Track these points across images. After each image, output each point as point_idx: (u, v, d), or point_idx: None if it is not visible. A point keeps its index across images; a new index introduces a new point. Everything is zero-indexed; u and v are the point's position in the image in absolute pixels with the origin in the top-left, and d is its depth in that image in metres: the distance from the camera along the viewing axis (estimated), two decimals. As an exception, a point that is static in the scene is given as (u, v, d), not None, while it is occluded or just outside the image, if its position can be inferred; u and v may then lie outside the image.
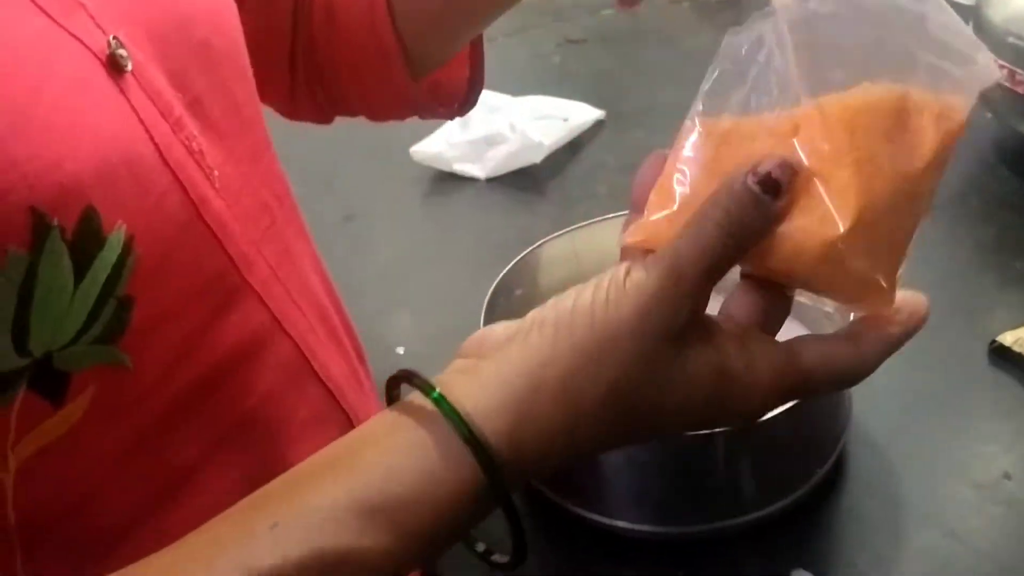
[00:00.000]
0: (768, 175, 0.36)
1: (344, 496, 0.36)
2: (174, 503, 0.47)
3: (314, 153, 0.96)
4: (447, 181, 1.05)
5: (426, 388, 0.37)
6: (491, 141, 1.04)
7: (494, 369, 0.37)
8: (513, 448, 0.36)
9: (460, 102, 0.74)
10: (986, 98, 0.91)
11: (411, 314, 0.88)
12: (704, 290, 0.37)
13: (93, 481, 0.44)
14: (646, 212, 0.40)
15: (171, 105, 0.45)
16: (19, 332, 0.38)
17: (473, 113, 1.14)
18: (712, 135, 0.39)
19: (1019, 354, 0.71)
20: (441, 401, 0.37)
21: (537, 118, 1.07)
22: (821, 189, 0.36)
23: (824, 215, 0.35)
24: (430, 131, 1.07)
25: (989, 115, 0.94)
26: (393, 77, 0.68)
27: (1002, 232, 0.85)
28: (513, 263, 0.73)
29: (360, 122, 0.73)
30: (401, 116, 0.74)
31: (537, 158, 1.03)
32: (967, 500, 0.63)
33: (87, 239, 0.39)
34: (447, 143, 1.05)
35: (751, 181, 0.36)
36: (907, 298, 0.39)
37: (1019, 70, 0.85)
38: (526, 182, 1.03)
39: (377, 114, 0.73)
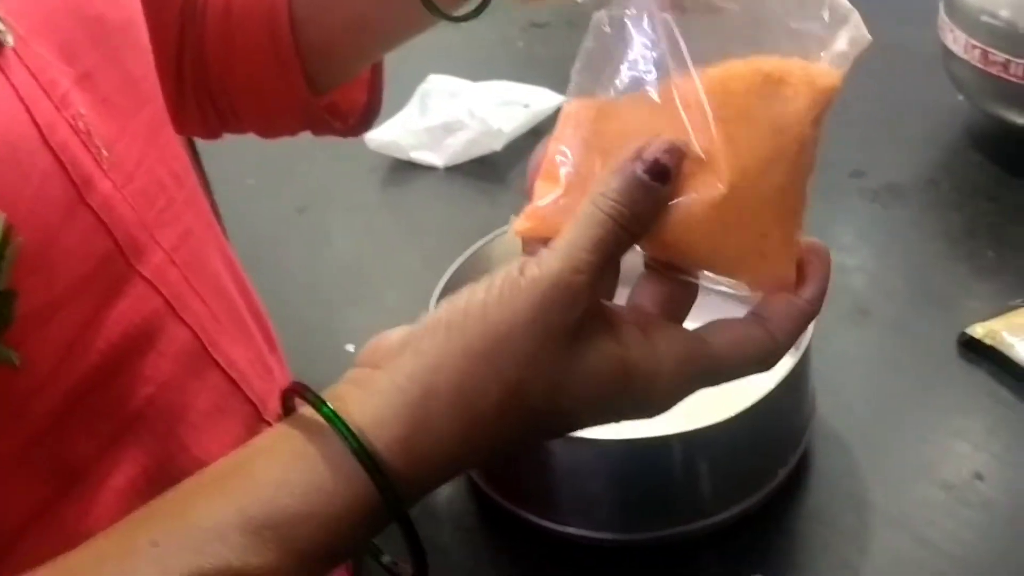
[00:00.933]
0: (656, 162, 0.35)
1: (230, 512, 0.34)
2: (73, 500, 0.45)
3: (266, 142, 0.93)
4: (404, 170, 1.02)
5: (316, 402, 0.35)
6: (449, 128, 1.01)
7: (388, 378, 0.36)
8: (408, 458, 0.35)
9: (355, 123, 0.73)
10: (958, 80, 0.89)
11: (365, 310, 0.85)
12: (599, 281, 0.36)
13: None
14: (534, 198, 0.39)
15: (56, 81, 0.43)
16: None
17: (431, 99, 1.11)
18: (588, 112, 0.39)
19: (990, 347, 0.68)
20: (332, 416, 0.35)
21: (497, 104, 1.04)
22: (701, 154, 0.36)
23: (706, 180, 0.36)
24: (386, 117, 1.03)
25: (961, 98, 0.91)
26: (291, 90, 0.67)
27: (973, 219, 0.83)
28: (465, 256, 0.70)
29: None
30: (294, 131, 0.73)
31: (497, 145, 1.00)
32: (936, 502, 0.60)
33: None
34: (404, 130, 1.02)
35: (639, 170, 0.35)
36: (809, 260, 0.38)
37: (991, 50, 0.82)
38: (486, 170, 1.00)
39: (269, 129, 0.72)
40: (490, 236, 0.72)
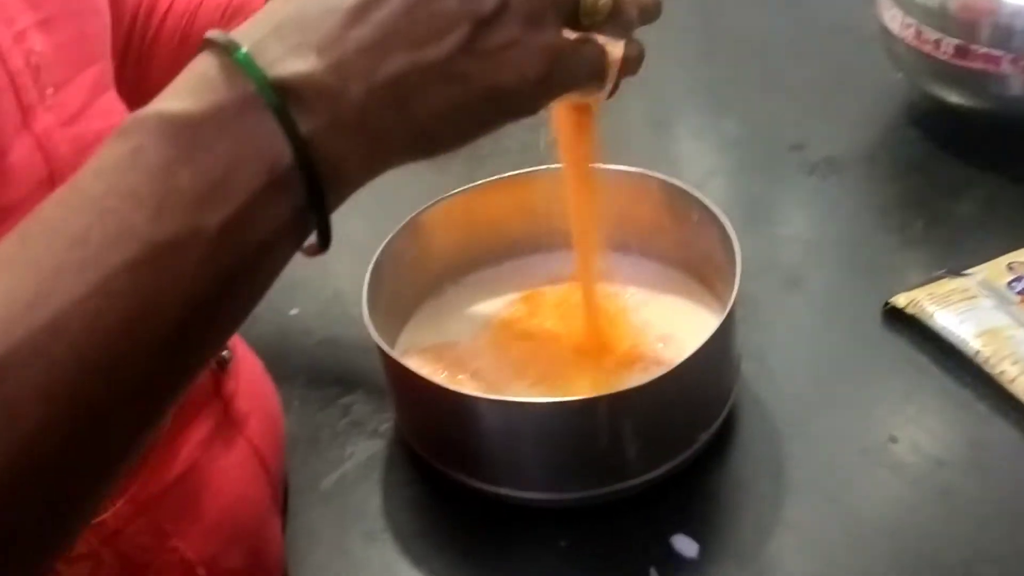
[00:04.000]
0: None
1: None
2: None
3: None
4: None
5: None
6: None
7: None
8: (264, 45, 0.35)
9: None
10: (896, 57, 0.91)
11: (310, 273, 0.86)
12: None
13: None
14: None
15: (15, 19, 0.47)
16: None
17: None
18: None
19: (912, 316, 0.70)
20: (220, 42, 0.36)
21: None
22: None
23: None
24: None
25: (900, 75, 0.93)
26: None
27: (906, 192, 0.85)
28: (403, 223, 0.71)
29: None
30: None
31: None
32: (852, 465, 0.62)
33: None
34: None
35: None
36: None
37: (925, 28, 0.83)
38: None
39: None
40: (429, 203, 0.73)
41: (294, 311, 0.81)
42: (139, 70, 0.72)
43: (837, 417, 0.66)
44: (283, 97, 0.35)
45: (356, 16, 0.36)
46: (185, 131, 0.34)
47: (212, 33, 0.36)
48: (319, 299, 0.82)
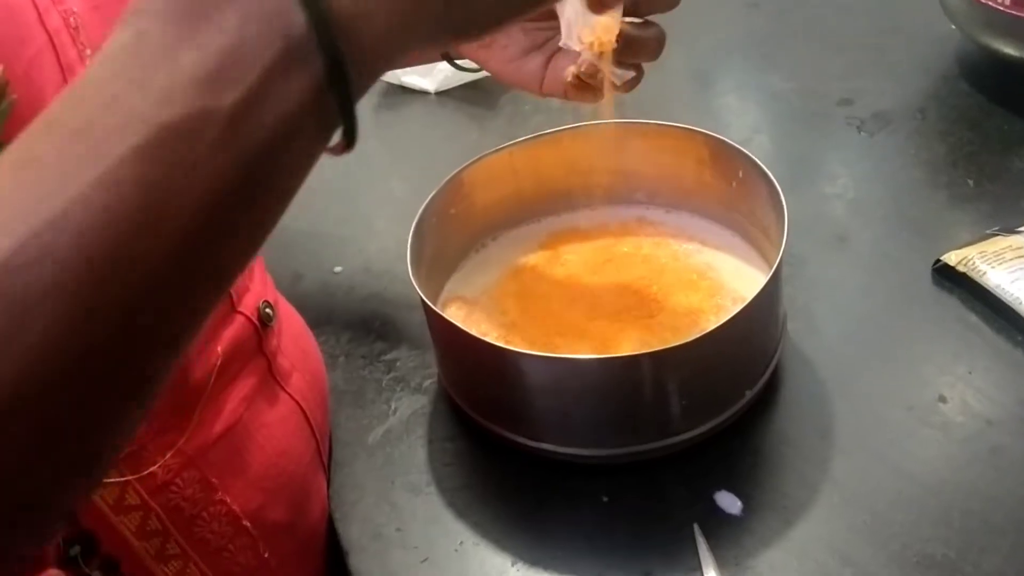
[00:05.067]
0: None
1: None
2: None
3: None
4: (395, 95, 1.02)
5: None
6: (441, 53, 1.01)
7: None
8: None
9: None
10: (949, 9, 0.88)
11: (353, 232, 0.86)
12: None
13: None
14: None
15: None
16: None
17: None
18: None
19: (963, 274, 0.69)
20: None
21: (490, 29, 1.03)
22: None
23: None
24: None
25: (952, 27, 0.91)
26: None
27: (957, 148, 0.83)
28: (445, 180, 0.71)
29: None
30: None
31: (487, 71, 1.00)
32: (899, 423, 0.62)
33: None
34: (396, 55, 1.02)
35: None
36: None
37: (980, -21, 0.81)
38: (477, 96, 1.00)
39: None
40: (471, 160, 0.72)
41: (338, 269, 0.82)
42: None
43: (885, 376, 0.65)
44: None
45: None
46: (189, 7, 0.31)
47: None
48: (362, 257, 0.82)
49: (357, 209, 0.89)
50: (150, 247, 0.30)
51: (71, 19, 0.49)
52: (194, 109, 0.30)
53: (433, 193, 0.69)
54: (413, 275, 0.63)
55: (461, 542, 0.59)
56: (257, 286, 0.62)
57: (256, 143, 0.31)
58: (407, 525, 0.61)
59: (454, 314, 0.70)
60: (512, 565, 0.58)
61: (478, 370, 0.63)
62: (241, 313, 0.59)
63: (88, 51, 0.50)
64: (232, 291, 0.59)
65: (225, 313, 0.58)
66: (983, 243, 0.70)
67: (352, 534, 0.62)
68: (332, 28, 0.31)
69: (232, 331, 0.58)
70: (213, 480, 0.57)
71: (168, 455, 0.55)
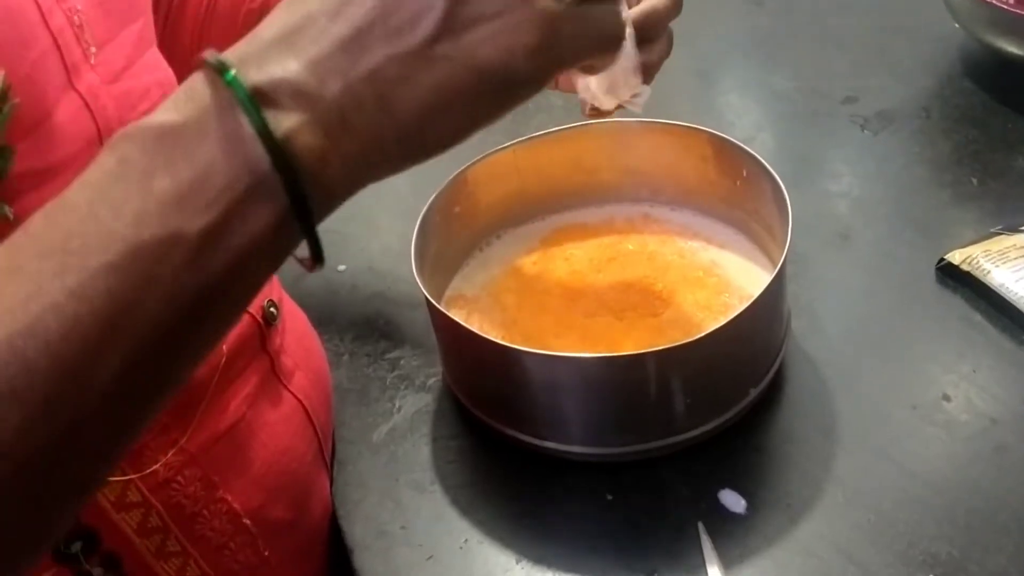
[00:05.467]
0: None
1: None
2: None
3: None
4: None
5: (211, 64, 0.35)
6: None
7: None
8: (248, 58, 0.35)
9: None
10: (953, 7, 0.88)
11: (356, 230, 0.86)
12: None
13: None
14: None
15: None
16: None
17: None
18: None
19: (967, 273, 0.69)
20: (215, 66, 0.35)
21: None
22: None
23: None
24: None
25: (956, 25, 0.91)
26: None
27: (961, 147, 0.83)
28: (450, 179, 0.71)
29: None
30: None
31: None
32: (903, 422, 0.62)
33: None
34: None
35: None
36: None
37: (984, -23, 0.81)
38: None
39: None
40: (475, 158, 0.72)
41: (342, 267, 0.82)
42: (170, 30, 0.72)
43: (888, 374, 0.65)
44: (259, 100, 0.34)
45: (333, 16, 0.35)
46: (166, 139, 0.34)
47: (207, 53, 0.35)
48: (366, 255, 0.82)
49: (360, 207, 0.88)
50: (113, 352, 0.33)
51: (75, 17, 0.49)
52: (165, 232, 0.33)
53: (437, 192, 0.70)
54: (417, 273, 0.63)
55: (465, 540, 0.60)
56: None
57: (220, 265, 0.34)
58: (411, 523, 0.61)
59: (458, 312, 0.70)
60: (516, 563, 0.58)
61: (482, 368, 0.63)
62: (246, 311, 0.59)
63: (92, 49, 0.50)
64: None
65: None
66: (987, 242, 0.70)
67: (356, 532, 0.62)
68: (294, 169, 0.34)
69: (237, 329, 0.58)
70: (214, 478, 0.57)
71: (170, 453, 0.55)
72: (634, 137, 0.73)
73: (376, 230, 0.85)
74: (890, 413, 0.62)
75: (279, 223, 0.35)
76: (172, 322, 0.34)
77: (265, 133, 0.34)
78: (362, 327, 0.75)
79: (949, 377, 0.64)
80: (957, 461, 0.59)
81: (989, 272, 0.68)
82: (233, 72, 0.34)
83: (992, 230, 0.72)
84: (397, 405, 0.69)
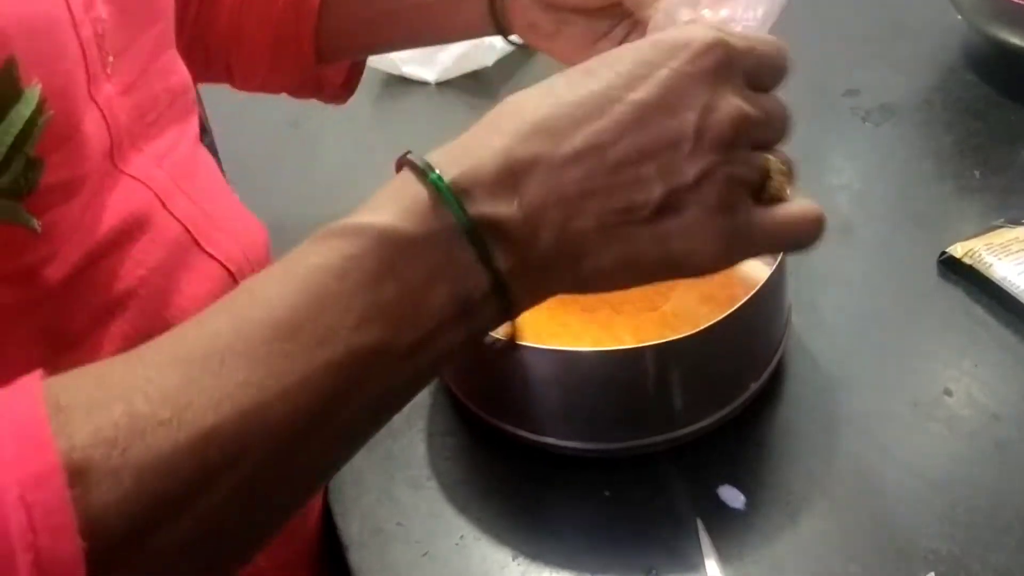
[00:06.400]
0: None
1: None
2: (64, 364, 0.48)
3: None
4: (396, 85, 1.01)
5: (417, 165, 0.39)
6: (442, 42, 1.00)
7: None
8: (457, 169, 0.37)
9: (337, 92, 0.79)
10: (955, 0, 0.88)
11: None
12: None
13: None
14: None
15: None
16: None
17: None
18: None
19: (969, 266, 0.68)
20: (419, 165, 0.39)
21: (491, 19, 1.03)
22: None
23: None
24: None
25: (959, 18, 0.90)
26: (299, 63, 0.72)
27: (964, 139, 0.82)
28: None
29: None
30: (276, 91, 0.78)
31: (488, 61, 0.99)
32: (904, 417, 0.61)
33: (6, 88, 0.41)
34: (397, 45, 1.01)
35: None
36: None
37: (987, -32, 0.80)
38: (477, 86, 0.99)
39: (250, 84, 0.77)
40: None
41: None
42: (199, 28, 0.72)
43: (889, 369, 0.64)
44: (483, 233, 0.37)
45: (564, 165, 0.37)
46: (396, 248, 0.36)
47: (425, 165, 0.38)
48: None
49: (357, 198, 0.88)
50: (314, 447, 0.36)
51: (99, 27, 0.48)
52: (380, 341, 0.36)
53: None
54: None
55: (462, 536, 0.59)
56: None
57: (414, 372, 0.38)
58: (408, 520, 0.61)
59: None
60: (513, 559, 0.57)
61: (478, 363, 0.63)
62: None
63: (110, 58, 0.49)
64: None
65: None
66: (989, 235, 0.70)
67: (352, 529, 0.61)
68: (509, 301, 0.38)
69: None
70: None
71: None
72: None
73: (373, 223, 0.84)
74: (891, 408, 0.62)
75: (467, 340, 0.38)
76: (363, 418, 0.37)
77: (491, 266, 0.37)
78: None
79: (951, 372, 0.63)
80: (958, 457, 0.59)
81: (991, 266, 0.67)
82: (455, 201, 0.36)
83: (994, 223, 0.71)
84: (393, 400, 0.68)
